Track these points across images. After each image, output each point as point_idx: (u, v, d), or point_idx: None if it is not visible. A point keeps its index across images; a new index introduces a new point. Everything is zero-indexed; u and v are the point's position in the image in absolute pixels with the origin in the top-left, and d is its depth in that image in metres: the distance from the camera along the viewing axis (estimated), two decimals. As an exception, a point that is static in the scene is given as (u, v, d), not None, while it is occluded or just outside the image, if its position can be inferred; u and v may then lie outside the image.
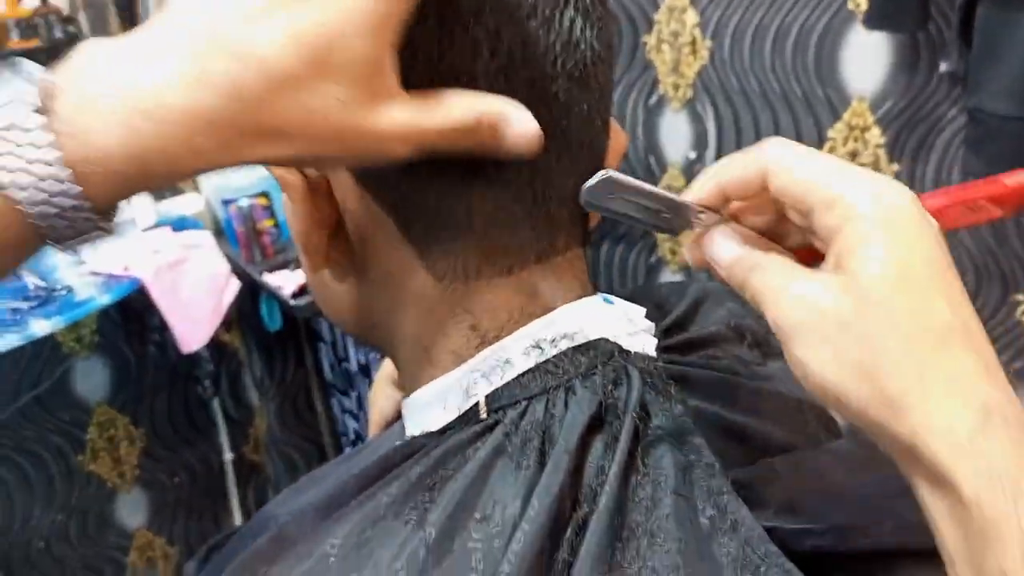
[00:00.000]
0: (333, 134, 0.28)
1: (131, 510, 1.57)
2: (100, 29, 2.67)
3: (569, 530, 0.31)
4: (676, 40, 1.38)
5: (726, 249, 0.32)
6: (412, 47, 0.32)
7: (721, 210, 0.33)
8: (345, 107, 0.28)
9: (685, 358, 0.42)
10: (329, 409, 1.66)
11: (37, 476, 1.41)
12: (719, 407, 0.40)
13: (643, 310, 0.40)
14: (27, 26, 2.85)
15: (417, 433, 0.37)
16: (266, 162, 0.29)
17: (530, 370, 0.35)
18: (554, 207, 0.36)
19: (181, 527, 1.68)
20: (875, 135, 1.21)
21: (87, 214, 0.27)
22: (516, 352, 0.35)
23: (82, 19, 2.83)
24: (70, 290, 1.13)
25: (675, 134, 1.43)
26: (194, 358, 1.52)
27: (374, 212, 0.36)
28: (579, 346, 0.36)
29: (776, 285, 0.30)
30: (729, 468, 0.37)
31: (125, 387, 1.52)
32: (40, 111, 0.26)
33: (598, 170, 0.34)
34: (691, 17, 1.35)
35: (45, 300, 1.08)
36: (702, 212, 0.32)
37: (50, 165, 0.26)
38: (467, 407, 0.36)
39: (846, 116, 1.23)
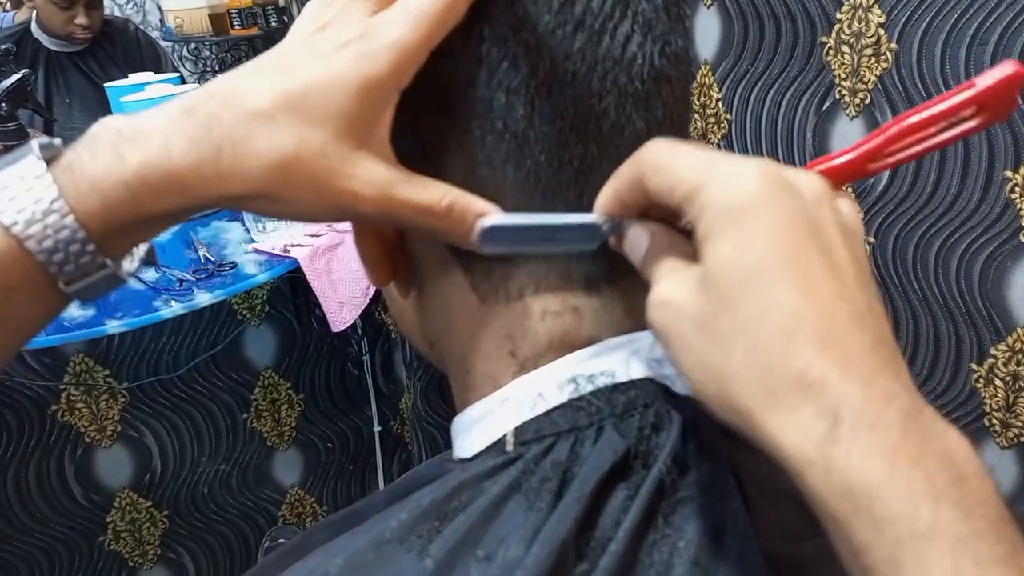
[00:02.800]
0: (307, 178, 0.29)
1: (286, 468, 1.70)
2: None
3: (564, 584, 0.29)
4: (858, 41, 1.28)
5: (637, 247, 0.31)
6: (452, 63, 0.32)
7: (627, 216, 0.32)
8: (322, 153, 0.29)
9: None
10: (471, 395, 1.70)
11: (207, 428, 1.56)
12: (774, 469, 0.37)
13: None
14: (247, 15, 3.14)
15: (454, 458, 0.37)
16: (244, 201, 0.30)
17: (561, 406, 0.34)
18: None
19: (331, 489, 1.79)
20: (1085, 156, 1.06)
21: (88, 249, 0.29)
22: (550, 385, 0.34)
23: (295, 10, 3.08)
24: (234, 266, 1.24)
25: (847, 143, 1.33)
26: (349, 336, 1.61)
27: None
28: (619, 384, 0.34)
29: (655, 281, 0.29)
30: (786, 541, 0.34)
31: (289, 355, 1.64)
32: (45, 160, 0.29)
33: None
34: (876, 16, 1.24)
35: (211, 274, 1.19)
36: (605, 223, 0.32)
37: (48, 201, 0.28)
38: (496, 437, 0.35)
39: (1050, 133, 1.08)
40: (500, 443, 0.34)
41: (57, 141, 0.30)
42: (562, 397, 0.34)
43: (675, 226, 0.31)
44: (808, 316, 0.25)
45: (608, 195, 0.31)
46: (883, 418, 0.24)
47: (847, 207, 0.30)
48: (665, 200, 0.29)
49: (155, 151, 0.28)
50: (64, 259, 0.29)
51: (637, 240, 0.31)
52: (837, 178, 0.32)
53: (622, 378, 0.34)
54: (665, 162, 0.29)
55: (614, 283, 0.36)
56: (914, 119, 0.30)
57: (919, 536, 0.23)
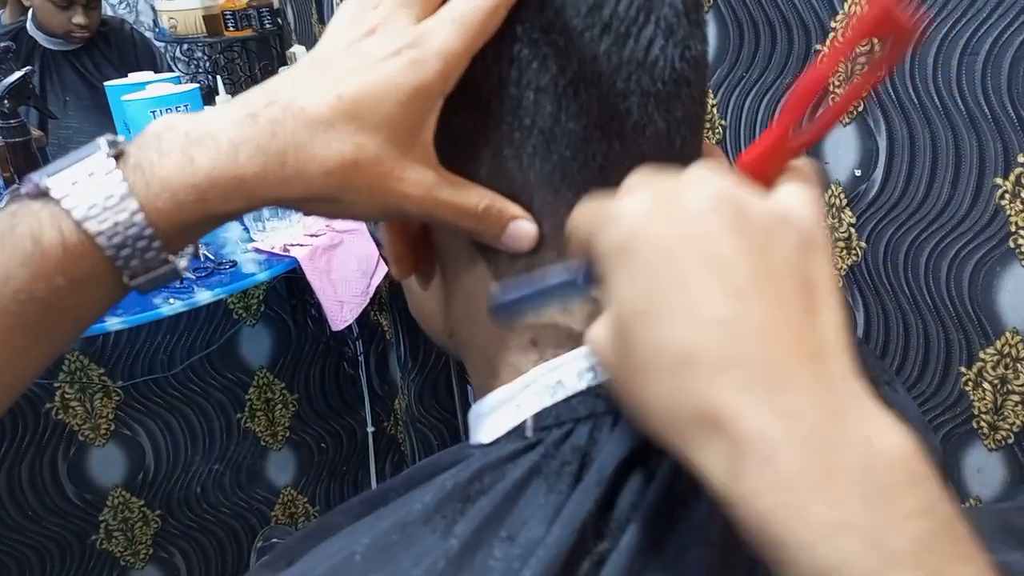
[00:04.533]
0: (363, 182, 0.31)
1: (279, 468, 1.70)
2: (304, 21, 2.89)
3: (586, 562, 0.30)
4: (851, 50, 1.30)
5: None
6: (485, 62, 0.33)
7: None
8: (377, 159, 0.30)
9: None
10: (465, 395, 1.72)
11: (201, 427, 1.56)
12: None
13: None
14: (241, 16, 3.14)
15: (473, 443, 0.38)
16: (303, 203, 0.32)
17: (580, 393, 0.35)
18: None
19: (324, 489, 1.79)
20: (1074, 163, 1.08)
21: (154, 245, 0.30)
22: (570, 373, 0.35)
23: (290, 12, 3.08)
24: (234, 265, 1.25)
25: (841, 150, 1.35)
26: (344, 336, 1.61)
27: None
28: (637, 373, 0.35)
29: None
30: None
31: (284, 355, 1.64)
32: (114, 156, 0.30)
33: None
34: (870, 25, 1.26)
35: (211, 272, 1.20)
36: (580, 276, 0.32)
37: (118, 197, 0.29)
38: (516, 423, 0.36)
39: (1040, 140, 1.10)
40: (520, 429, 0.35)
41: (120, 138, 0.30)
42: (581, 385, 0.35)
43: None
44: (695, 348, 0.25)
45: (571, 251, 0.33)
46: (782, 449, 0.23)
47: (758, 203, 0.28)
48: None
49: (224, 156, 0.29)
50: (131, 254, 0.30)
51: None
52: (768, 162, 0.30)
53: None
54: (579, 222, 0.31)
55: None
56: (807, 77, 0.29)
57: (825, 574, 0.22)
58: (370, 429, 1.77)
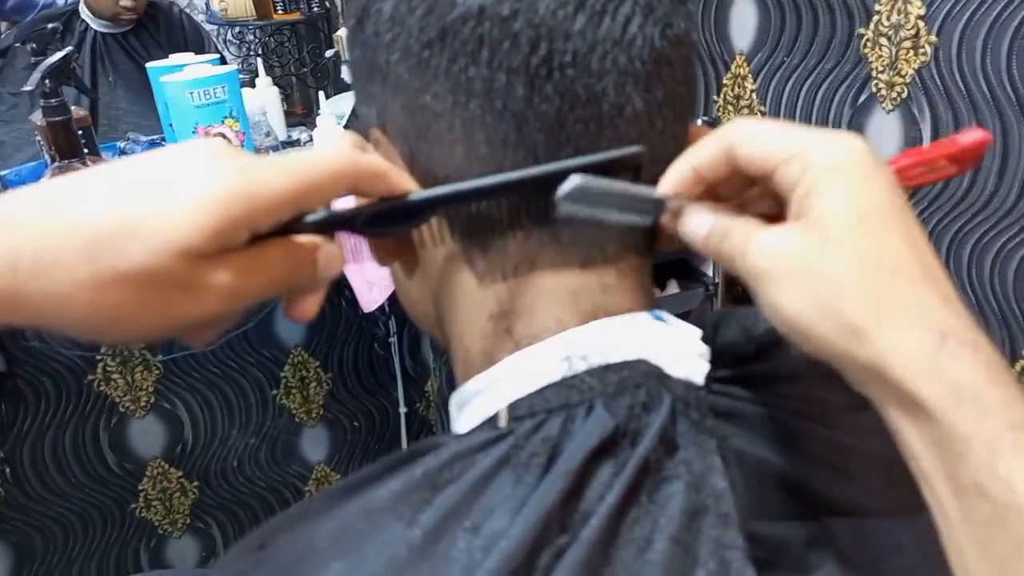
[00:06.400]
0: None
1: (313, 445, 1.73)
2: (351, 4, 2.91)
3: (545, 554, 0.30)
4: (896, 34, 1.25)
5: (698, 223, 0.33)
6: (453, 38, 0.33)
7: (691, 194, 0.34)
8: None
9: (746, 392, 0.39)
10: (496, 380, 1.72)
11: (237, 403, 1.59)
12: (773, 453, 0.37)
13: (699, 332, 0.38)
14: (290, 0, 3.17)
15: (451, 433, 0.38)
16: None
17: (554, 383, 0.35)
18: None
19: (356, 466, 1.82)
20: None
21: None
22: (544, 363, 0.35)
23: (336, -5, 3.10)
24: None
25: (884, 137, 1.31)
26: (376, 317, 1.63)
27: None
28: (612, 364, 0.35)
29: (744, 239, 0.31)
30: (770, 521, 0.34)
31: (319, 334, 1.66)
32: None
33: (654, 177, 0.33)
34: (916, 8, 1.21)
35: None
36: (672, 202, 0.33)
37: None
38: (490, 413, 0.36)
39: (1091, 130, 1.05)
40: (494, 419, 0.35)
41: None
42: (555, 375, 0.34)
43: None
44: (911, 261, 0.29)
45: (684, 169, 0.33)
46: (980, 341, 0.28)
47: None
48: (756, 166, 0.31)
49: None
50: None
51: (697, 216, 0.33)
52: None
53: (615, 358, 0.35)
54: (757, 132, 0.31)
55: (612, 263, 0.36)
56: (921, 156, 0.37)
57: (1016, 427, 0.26)
58: (402, 410, 1.78)
